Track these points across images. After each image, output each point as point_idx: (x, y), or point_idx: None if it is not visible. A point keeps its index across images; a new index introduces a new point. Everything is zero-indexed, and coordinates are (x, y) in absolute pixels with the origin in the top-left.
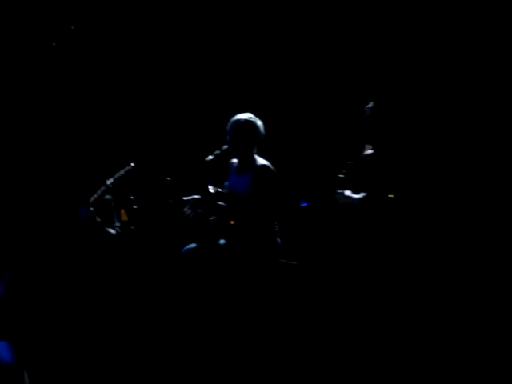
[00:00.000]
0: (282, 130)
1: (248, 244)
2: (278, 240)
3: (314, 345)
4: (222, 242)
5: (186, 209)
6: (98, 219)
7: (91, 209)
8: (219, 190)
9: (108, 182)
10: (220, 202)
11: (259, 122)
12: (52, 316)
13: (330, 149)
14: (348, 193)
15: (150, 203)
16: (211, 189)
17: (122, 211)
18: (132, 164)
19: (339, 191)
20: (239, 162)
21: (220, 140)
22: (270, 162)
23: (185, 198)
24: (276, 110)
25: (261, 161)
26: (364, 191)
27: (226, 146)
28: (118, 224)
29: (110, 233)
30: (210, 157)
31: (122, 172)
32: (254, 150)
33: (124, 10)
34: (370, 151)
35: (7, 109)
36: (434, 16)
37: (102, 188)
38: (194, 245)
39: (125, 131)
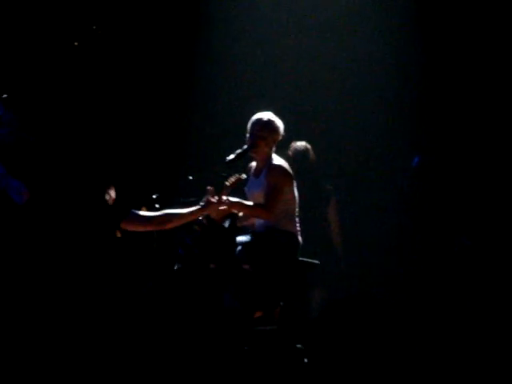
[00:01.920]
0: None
1: (268, 243)
2: (299, 238)
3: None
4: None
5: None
6: None
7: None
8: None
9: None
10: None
11: (279, 122)
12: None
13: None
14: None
15: (171, 202)
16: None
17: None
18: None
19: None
20: (257, 162)
21: (241, 139)
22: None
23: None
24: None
25: (277, 161)
26: None
27: (240, 150)
28: None
29: None
30: (232, 156)
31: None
32: (272, 150)
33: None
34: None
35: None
36: None
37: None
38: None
39: (148, 129)
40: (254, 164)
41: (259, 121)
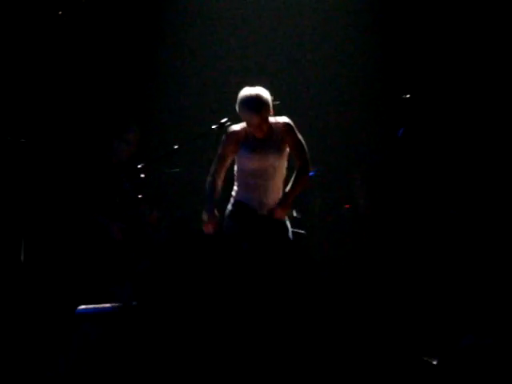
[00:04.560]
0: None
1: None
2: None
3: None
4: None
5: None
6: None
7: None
8: None
9: None
10: None
11: (267, 94)
12: None
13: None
14: None
15: (157, 172)
16: None
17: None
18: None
19: None
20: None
21: (224, 109)
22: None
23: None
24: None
25: (281, 119)
26: None
27: (225, 120)
28: None
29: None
30: (220, 124)
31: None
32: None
33: None
34: None
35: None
36: None
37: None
38: None
39: (131, 98)
40: (238, 128)
41: (246, 102)
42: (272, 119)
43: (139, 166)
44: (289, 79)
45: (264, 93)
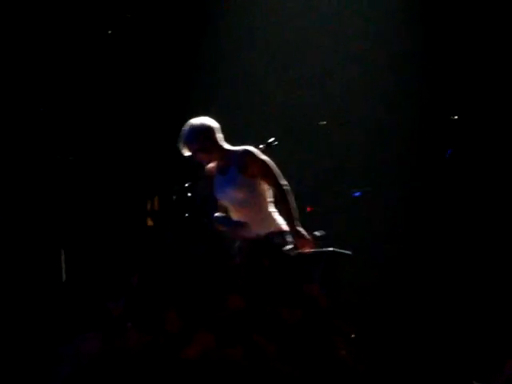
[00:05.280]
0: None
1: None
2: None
3: None
4: None
5: None
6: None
7: None
8: None
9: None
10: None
11: (195, 128)
12: None
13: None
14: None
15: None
16: None
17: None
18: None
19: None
20: (216, 162)
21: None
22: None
23: None
24: None
25: (239, 148)
26: None
27: (272, 139)
28: None
29: None
30: (267, 143)
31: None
32: (221, 141)
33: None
34: None
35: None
36: None
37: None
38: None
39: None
40: (212, 164)
41: (188, 135)
42: (231, 149)
43: (186, 185)
44: (334, 95)
45: (193, 127)
